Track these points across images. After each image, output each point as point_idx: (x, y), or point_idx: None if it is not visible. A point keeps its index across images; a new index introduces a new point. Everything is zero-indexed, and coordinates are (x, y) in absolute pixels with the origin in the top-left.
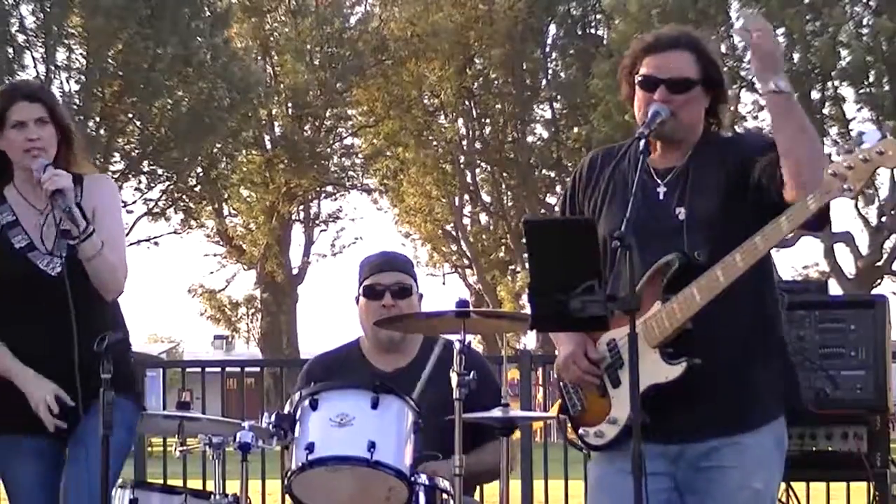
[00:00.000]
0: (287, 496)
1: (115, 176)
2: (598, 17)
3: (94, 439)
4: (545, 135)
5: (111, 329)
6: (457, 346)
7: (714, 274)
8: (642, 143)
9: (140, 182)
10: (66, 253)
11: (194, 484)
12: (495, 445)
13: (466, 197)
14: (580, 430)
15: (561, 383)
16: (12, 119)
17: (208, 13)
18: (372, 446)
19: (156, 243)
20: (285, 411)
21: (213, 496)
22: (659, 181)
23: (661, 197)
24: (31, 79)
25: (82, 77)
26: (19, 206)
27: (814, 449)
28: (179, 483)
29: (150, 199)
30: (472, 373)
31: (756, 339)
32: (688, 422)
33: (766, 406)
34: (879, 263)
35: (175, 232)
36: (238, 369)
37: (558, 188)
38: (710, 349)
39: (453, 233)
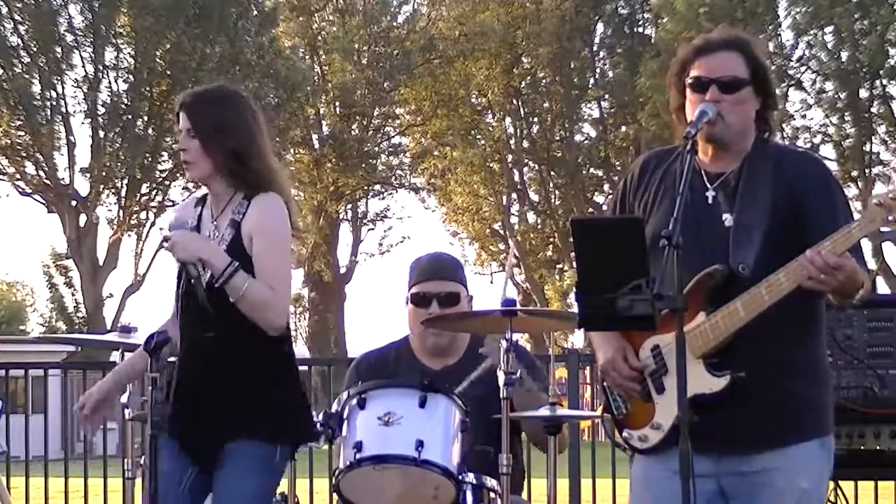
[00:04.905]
0: (335, 495)
1: (163, 175)
2: (646, 15)
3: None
4: (593, 133)
5: (264, 367)
6: (504, 344)
7: (759, 291)
8: (689, 141)
9: (188, 181)
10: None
11: None
12: None
13: (514, 196)
14: (624, 433)
15: (605, 384)
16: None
17: (255, 12)
18: (419, 445)
19: None
20: (333, 410)
21: None
22: (709, 185)
23: (710, 201)
24: (219, 85)
25: (130, 76)
26: (205, 218)
27: (862, 448)
28: None
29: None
30: (521, 370)
31: (802, 355)
32: (730, 434)
33: (811, 421)
34: None
35: None
36: None
37: (606, 187)
38: (756, 363)
39: (501, 232)
